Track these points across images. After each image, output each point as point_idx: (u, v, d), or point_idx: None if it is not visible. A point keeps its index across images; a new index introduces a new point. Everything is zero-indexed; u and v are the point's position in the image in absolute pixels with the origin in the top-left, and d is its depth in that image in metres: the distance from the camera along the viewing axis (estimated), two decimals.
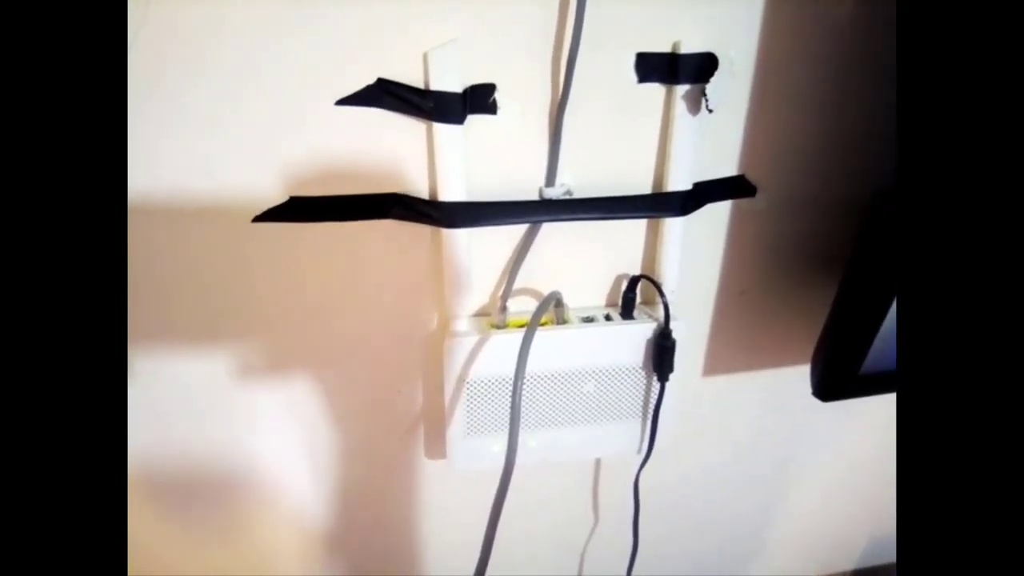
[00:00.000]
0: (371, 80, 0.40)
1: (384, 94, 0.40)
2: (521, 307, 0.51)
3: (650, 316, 0.51)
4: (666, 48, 0.44)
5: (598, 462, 0.63)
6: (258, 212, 0.43)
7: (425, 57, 0.40)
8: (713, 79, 0.43)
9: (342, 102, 0.40)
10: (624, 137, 0.46)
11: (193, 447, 0.52)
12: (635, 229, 0.50)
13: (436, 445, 0.57)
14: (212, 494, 0.55)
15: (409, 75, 0.41)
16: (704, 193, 0.49)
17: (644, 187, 0.48)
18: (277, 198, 0.43)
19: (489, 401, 0.49)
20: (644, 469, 0.57)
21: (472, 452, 0.51)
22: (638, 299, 0.52)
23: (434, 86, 0.40)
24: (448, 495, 0.61)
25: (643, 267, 0.52)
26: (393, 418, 0.55)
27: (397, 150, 0.43)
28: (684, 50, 0.43)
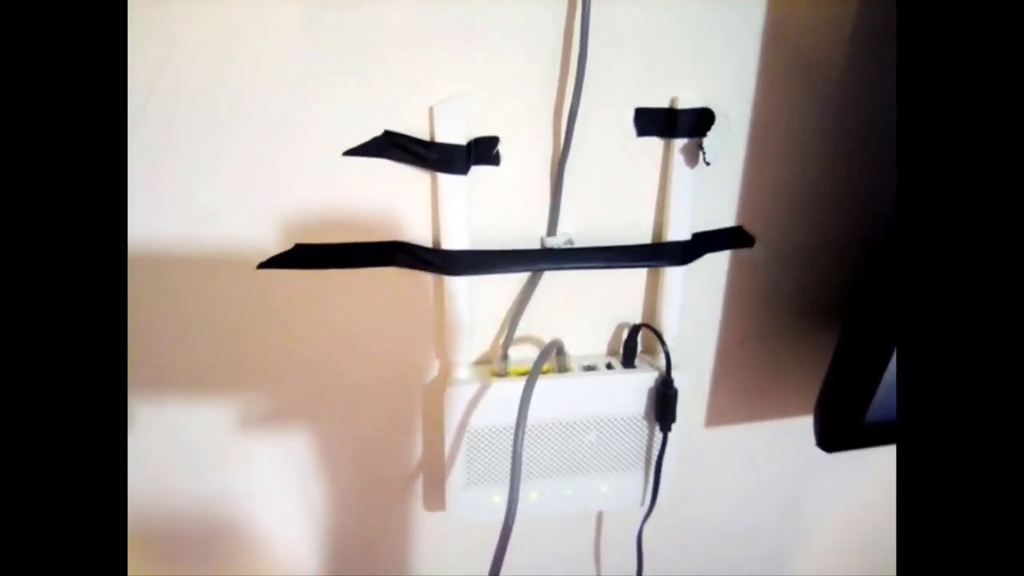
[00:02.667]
0: (377, 131, 0.41)
1: (391, 146, 0.41)
2: (522, 355, 0.50)
3: (651, 365, 0.50)
4: (664, 103, 0.45)
5: (600, 514, 0.62)
6: (260, 260, 0.43)
7: (431, 110, 0.41)
8: (710, 133, 0.44)
9: (349, 153, 0.41)
10: (624, 188, 0.47)
11: (189, 495, 0.51)
12: (635, 278, 0.51)
13: (435, 497, 0.55)
14: (207, 543, 0.54)
15: (414, 126, 0.42)
16: (703, 243, 0.50)
17: (644, 237, 0.49)
18: (279, 247, 0.43)
19: (490, 450, 0.48)
20: (647, 522, 0.55)
21: (472, 503, 0.50)
22: (639, 348, 0.52)
23: (439, 138, 0.41)
24: (446, 549, 0.59)
25: (644, 316, 0.52)
26: (392, 468, 0.54)
27: (400, 199, 0.44)
28: (681, 105, 0.44)
